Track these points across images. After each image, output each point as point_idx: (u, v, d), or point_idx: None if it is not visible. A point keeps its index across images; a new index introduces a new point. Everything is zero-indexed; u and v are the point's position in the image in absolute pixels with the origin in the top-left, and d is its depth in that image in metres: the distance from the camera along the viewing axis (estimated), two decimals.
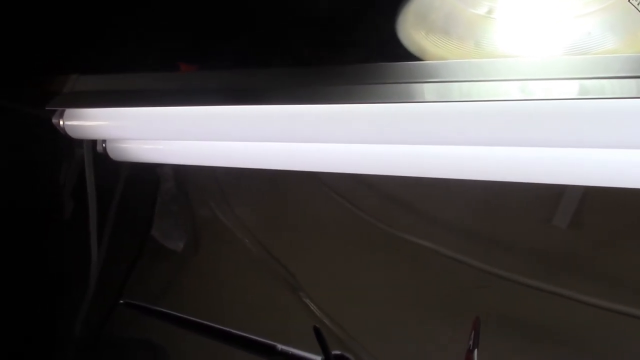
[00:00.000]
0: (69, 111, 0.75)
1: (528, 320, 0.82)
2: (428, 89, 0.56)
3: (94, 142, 0.82)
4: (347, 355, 0.62)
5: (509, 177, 0.61)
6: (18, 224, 0.99)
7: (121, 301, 0.71)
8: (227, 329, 0.63)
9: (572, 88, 0.51)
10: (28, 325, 1.04)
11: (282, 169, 0.71)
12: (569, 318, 0.79)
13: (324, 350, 0.60)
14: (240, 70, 0.65)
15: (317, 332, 0.59)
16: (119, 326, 1.12)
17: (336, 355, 0.61)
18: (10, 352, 1.02)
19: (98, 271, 1.03)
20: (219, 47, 0.78)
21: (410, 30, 0.56)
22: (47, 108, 0.74)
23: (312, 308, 0.97)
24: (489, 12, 0.56)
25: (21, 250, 1.01)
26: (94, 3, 0.79)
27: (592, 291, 0.76)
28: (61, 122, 0.75)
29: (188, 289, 1.11)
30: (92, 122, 0.75)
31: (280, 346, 0.61)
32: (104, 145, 0.80)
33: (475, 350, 0.61)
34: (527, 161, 0.59)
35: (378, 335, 0.92)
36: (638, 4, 0.51)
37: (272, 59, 0.72)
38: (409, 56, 0.58)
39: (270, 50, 0.73)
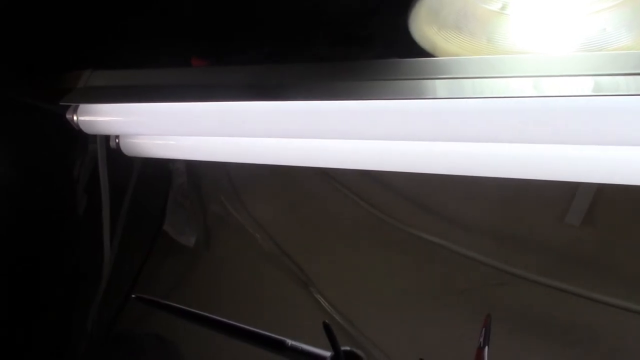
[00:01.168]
0: (82, 106, 0.76)
1: (540, 317, 0.82)
2: (440, 86, 0.56)
3: (107, 138, 0.83)
4: (357, 351, 0.62)
5: (521, 174, 0.61)
6: (31, 219, 1.00)
7: (133, 295, 0.71)
8: (237, 324, 0.63)
9: (586, 85, 0.51)
10: (41, 320, 1.05)
11: (294, 165, 0.71)
12: (580, 316, 0.78)
13: (334, 346, 0.60)
14: (252, 66, 0.65)
15: (327, 328, 0.59)
16: (131, 321, 1.13)
17: (345, 351, 0.61)
18: (24, 346, 1.03)
19: (110, 266, 1.04)
20: (232, 43, 0.78)
21: (422, 26, 0.56)
22: (60, 103, 0.75)
23: (322, 304, 0.97)
24: (502, 8, 0.56)
25: (35, 245, 1.02)
26: None
27: (604, 289, 0.75)
28: (75, 118, 0.76)
29: (199, 283, 1.12)
30: (105, 117, 0.75)
31: (290, 341, 0.61)
32: (117, 140, 0.81)
33: (486, 348, 0.60)
34: (540, 158, 0.58)
35: (389, 331, 0.92)
36: None
37: (283, 55, 0.72)
38: (421, 52, 0.58)
39: (281, 47, 0.73)
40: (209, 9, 0.77)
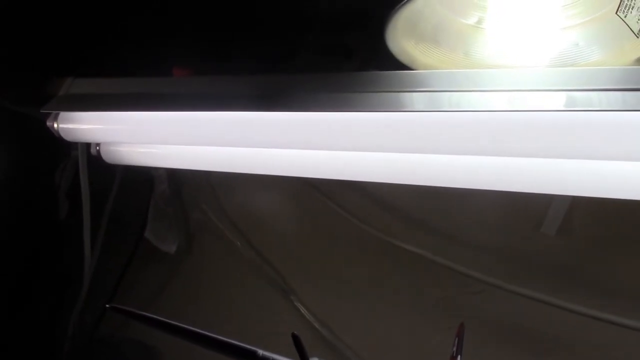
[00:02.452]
0: (63, 114, 0.76)
1: (515, 326, 0.82)
2: (418, 98, 0.56)
3: (88, 145, 0.83)
4: None
5: (498, 185, 0.62)
6: (13, 224, 1.00)
7: (107, 305, 0.71)
8: (208, 334, 0.63)
9: (560, 99, 0.52)
10: (23, 324, 1.04)
11: (274, 175, 0.72)
12: (555, 325, 0.79)
13: (302, 358, 0.60)
14: (233, 76, 0.65)
15: (296, 339, 0.59)
16: (113, 327, 1.13)
17: None
18: (5, 350, 1.02)
19: (91, 272, 1.03)
20: (213, 53, 0.78)
21: (400, 39, 0.57)
22: (41, 111, 0.75)
23: (302, 312, 0.97)
24: (479, 22, 0.57)
25: (16, 250, 1.01)
26: (90, 6, 0.79)
27: (578, 298, 0.76)
28: (55, 125, 0.76)
29: (180, 291, 1.11)
30: (86, 125, 0.76)
31: (261, 352, 0.61)
32: (97, 148, 0.81)
33: (459, 357, 0.61)
34: (516, 170, 0.59)
35: (368, 340, 0.92)
36: (625, 17, 0.52)
37: (262, 66, 0.72)
38: (399, 65, 0.58)
39: (261, 59, 0.74)
40: (195, 19, 0.77)
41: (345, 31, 0.68)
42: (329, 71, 0.61)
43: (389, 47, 0.57)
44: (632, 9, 0.51)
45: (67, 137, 0.77)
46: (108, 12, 0.80)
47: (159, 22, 0.78)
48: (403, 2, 0.51)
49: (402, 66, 0.58)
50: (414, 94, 0.56)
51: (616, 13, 0.52)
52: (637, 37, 0.52)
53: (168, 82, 0.71)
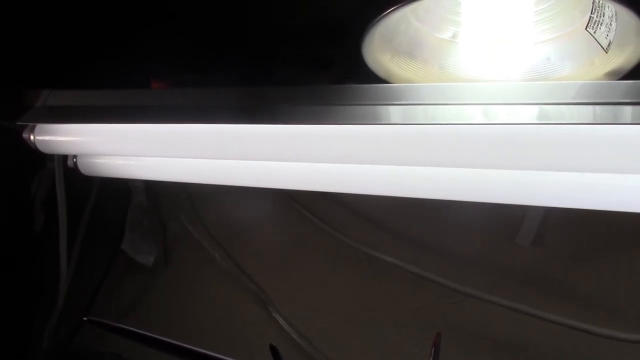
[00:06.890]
0: (40, 126, 0.75)
1: (490, 335, 0.83)
2: (393, 111, 0.57)
3: (64, 157, 0.82)
4: None
5: (473, 197, 0.62)
6: None
7: (84, 318, 0.70)
8: (186, 346, 0.63)
9: (532, 113, 0.53)
10: None
11: (252, 186, 0.72)
12: (530, 334, 0.80)
13: None
14: (210, 89, 0.65)
15: (274, 350, 0.60)
16: (88, 340, 1.11)
17: None
18: None
19: (67, 284, 1.03)
20: (192, 65, 0.79)
21: (377, 52, 0.57)
22: (17, 123, 0.74)
23: (281, 323, 0.97)
24: (453, 36, 0.58)
25: None
26: (68, 18, 0.79)
27: (552, 308, 0.77)
28: (32, 137, 0.75)
29: (158, 303, 1.11)
30: (63, 137, 0.75)
31: None
32: (74, 160, 0.80)
33: None
34: (490, 182, 0.60)
35: (346, 350, 0.93)
36: (595, 33, 0.53)
37: (240, 79, 0.72)
38: (375, 78, 0.59)
39: (239, 71, 0.74)
40: (173, 32, 0.77)
41: (322, 45, 0.69)
42: (306, 84, 0.61)
43: (366, 61, 0.58)
44: (600, 25, 0.52)
45: (44, 149, 0.76)
46: (86, 24, 0.79)
47: (137, 35, 0.78)
48: (379, 16, 0.52)
49: (379, 79, 0.59)
50: (390, 107, 0.57)
51: (586, 29, 0.53)
52: (606, 52, 0.53)
53: (146, 94, 0.71)
